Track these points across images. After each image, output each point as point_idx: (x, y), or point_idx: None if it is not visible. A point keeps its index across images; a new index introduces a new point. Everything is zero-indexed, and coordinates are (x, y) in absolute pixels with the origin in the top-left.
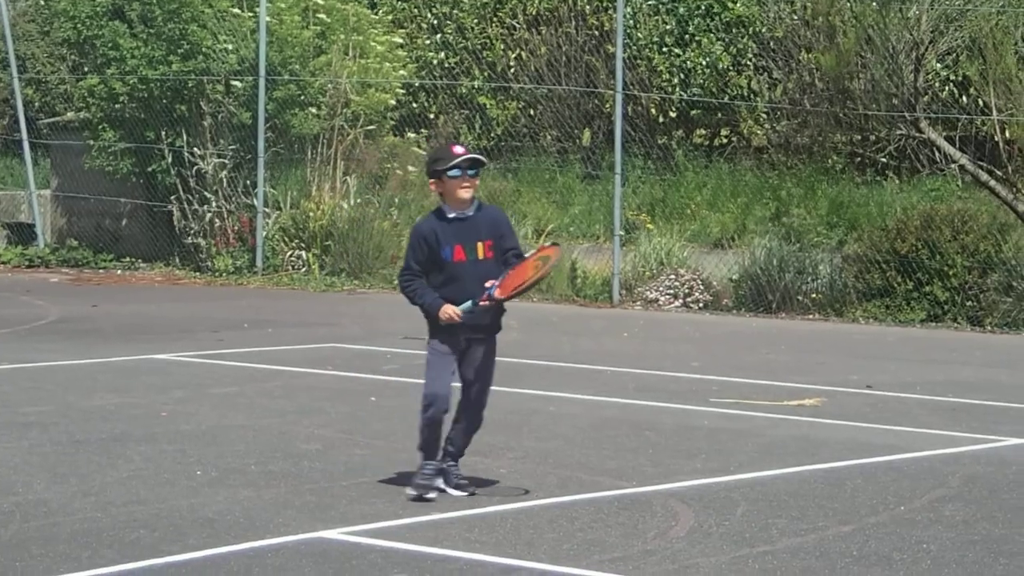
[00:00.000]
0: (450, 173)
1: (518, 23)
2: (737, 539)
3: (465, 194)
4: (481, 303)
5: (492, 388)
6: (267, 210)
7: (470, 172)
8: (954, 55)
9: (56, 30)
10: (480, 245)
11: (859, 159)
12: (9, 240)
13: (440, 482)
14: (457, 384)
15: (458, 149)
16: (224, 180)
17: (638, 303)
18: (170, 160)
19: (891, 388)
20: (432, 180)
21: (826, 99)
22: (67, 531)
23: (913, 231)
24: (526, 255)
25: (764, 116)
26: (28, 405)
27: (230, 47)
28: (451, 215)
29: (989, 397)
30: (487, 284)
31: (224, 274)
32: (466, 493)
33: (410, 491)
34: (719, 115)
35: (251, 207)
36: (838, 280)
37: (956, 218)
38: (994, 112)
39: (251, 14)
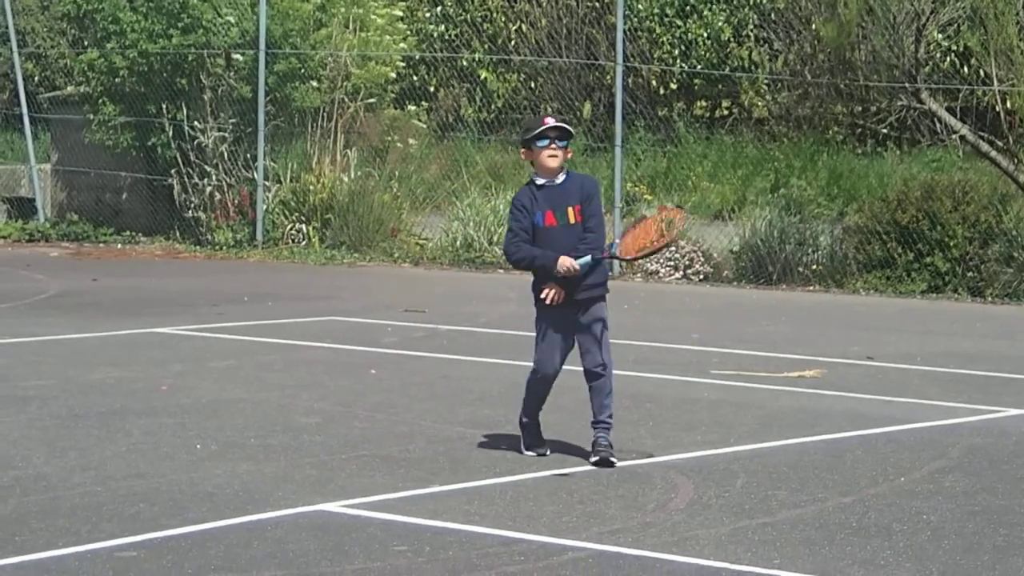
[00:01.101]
0: (539, 143)
1: None
2: (737, 511)
3: (552, 163)
4: (603, 257)
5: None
6: (267, 183)
7: (559, 142)
8: (955, 25)
9: (56, 4)
10: (570, 210)
11: (859, 130)
12: (9, 214)
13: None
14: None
15: (549, 120)
16: (224, 154)
17: (638, 275)
18: (170, 134)
19: (892, 359)
20: (523, 149)
21: (827, 70)
22: (67, 505)
23: (914, 202)
24: (647, 215)
25: (765, 87)
26: (28, 379)
27: (231, 20)
28: (540, 182)
29: (990, 368)
30: (608, 242)
31: (224, 248)
32: (596, 458)
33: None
34: (720, 87)
35: (251, 181)
36: (838, 251)
37: (957, 189)
38: (995, 82)
39: None
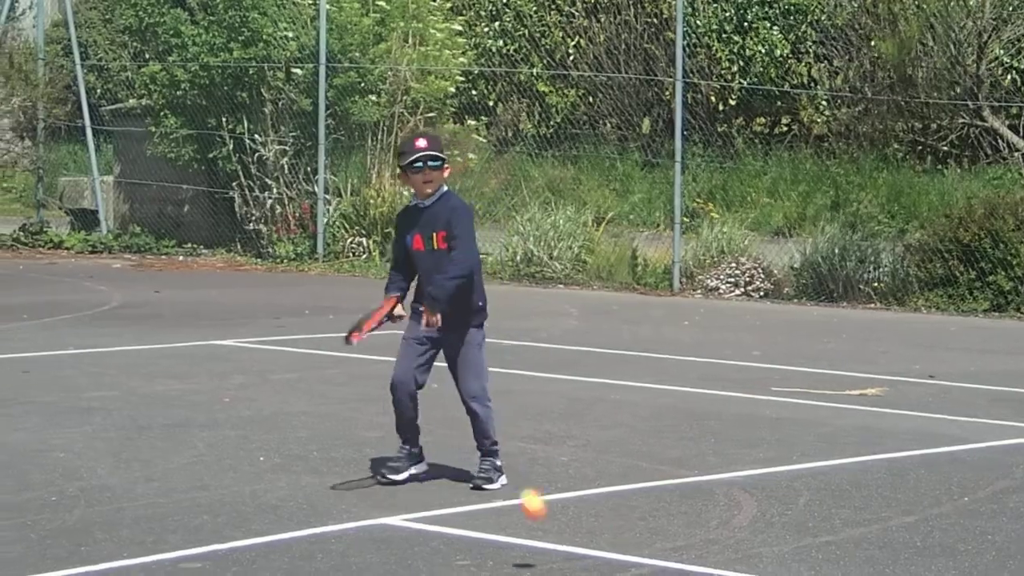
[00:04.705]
0: (413, 168)
1: (577, 10)
2: (800, 529)
3: (428, 188)
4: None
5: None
6: (328, 197)
7: (431, 164)
8: (1018, 44)
9: (118, 17)
10: (435, 235)
11: (920, 147)
12: (72, 226)
13: (414, 468)
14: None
15: (420, 143)
16: (285, 167)
17: (698, 291)
18: (231, 147)
19: (954, 378)
20: (400, 174)
21: (887, 87)
22: (131, 516)
23: (976, 220)
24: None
25: (824, 104)
26: (91, 390)
27: (290, 34)
28: (415, 203)
29: None
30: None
31: (285, 260)
32: (471, 486)
33: (382, 471)
34: (779, 103)
35: (312, 194)
36: (900, 269)
37: (1020, 207)
38: None
39: (311, 1)
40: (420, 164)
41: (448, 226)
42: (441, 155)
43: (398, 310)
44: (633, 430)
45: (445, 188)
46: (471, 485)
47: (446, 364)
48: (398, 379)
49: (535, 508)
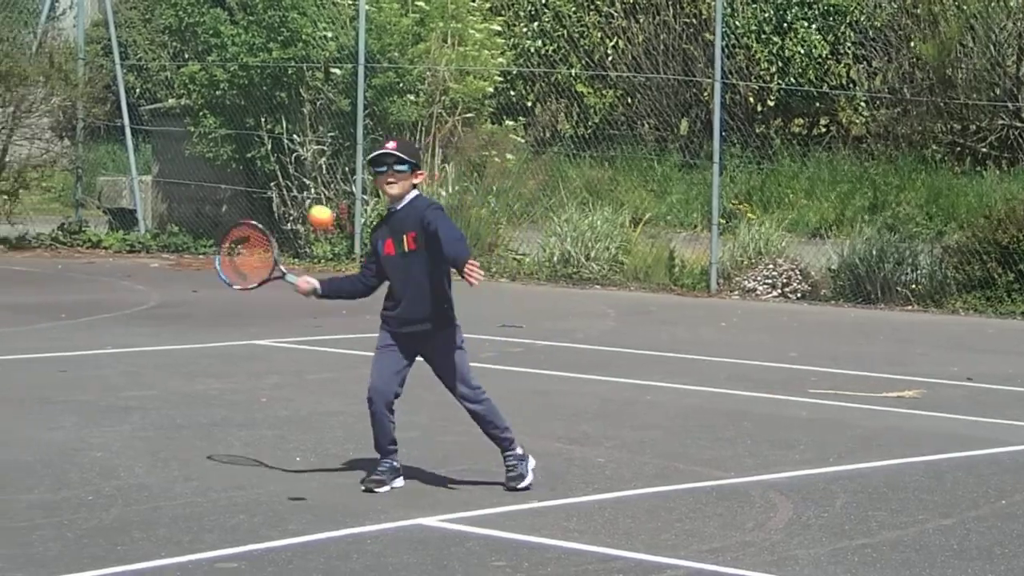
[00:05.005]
0: (377, 169)
1: (615, 11)
2: (836, 531)
3: (391, 190)
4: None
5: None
6: (365, 197)
7: (396, 168)
8: None
9: (158, 17)
10: (405, 237)
11: (959, 148)
12: (111, 225)
13: (397, 481)
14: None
15: (389, 145)
16: (323, 167)
17: (736, 292)
18: (269, 147)
19: (992, 380)
20: (373, 178)
21: (926, 88)
22: (168, 515)
23: (1015, 222)
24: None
25: (863, 105)
26: (129, 389)
27: (329, 35)
28: (387, 209)
29: None
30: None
31: (323, 260)
32: (505, 487)
33: (367, 483)
34: (818, 104)
35: (350, 194)
36: (938, 271)
37: None
38: None
39: (350, 1)
40: (384, 167)
41: (420, 224)
42: (409, 159)
43: (305, 286)
44: (668, 431)
45: (416, 192)
46: (504, 487)
47: (435, 375)
48: (376, 387)
49: (323, 217)
